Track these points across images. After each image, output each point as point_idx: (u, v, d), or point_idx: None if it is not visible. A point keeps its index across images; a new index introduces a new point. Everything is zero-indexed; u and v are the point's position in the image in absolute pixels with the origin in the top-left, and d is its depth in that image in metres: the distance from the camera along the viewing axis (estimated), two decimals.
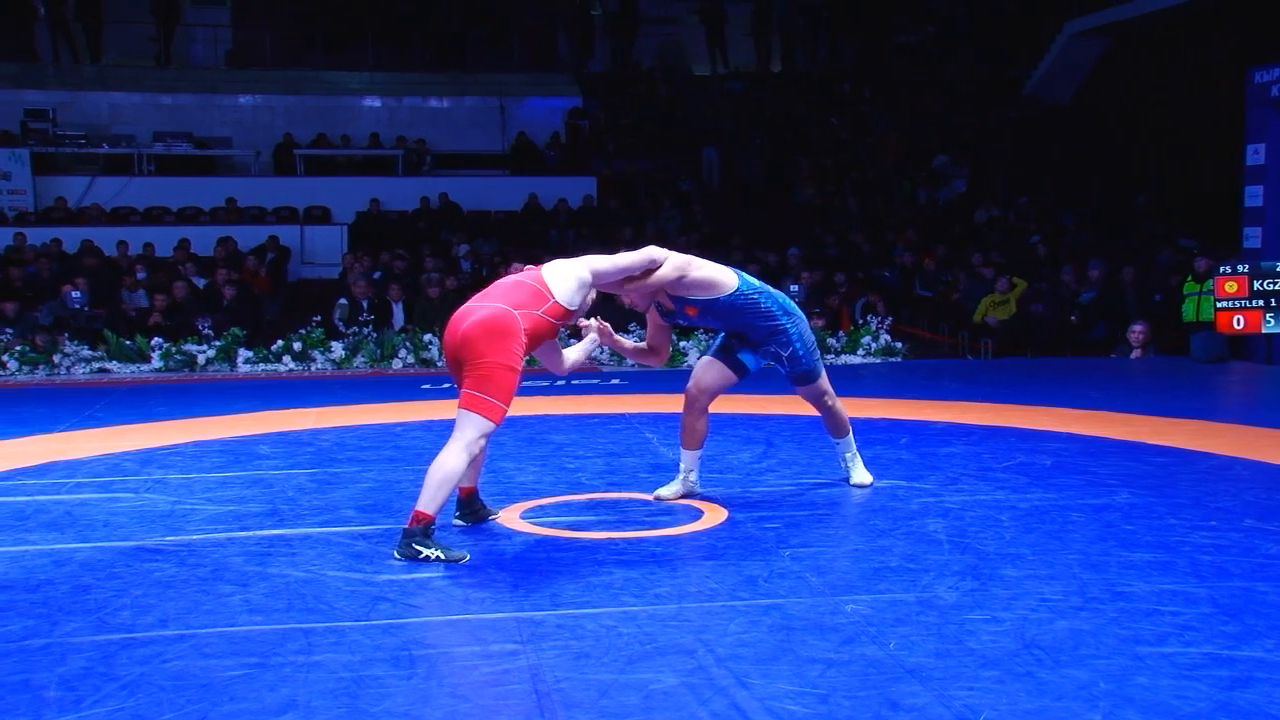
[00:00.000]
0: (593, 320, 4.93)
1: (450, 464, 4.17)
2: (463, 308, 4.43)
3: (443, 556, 4.14)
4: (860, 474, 5.43)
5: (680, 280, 4.76)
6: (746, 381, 5.26)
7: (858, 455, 5.47)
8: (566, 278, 4.47)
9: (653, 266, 4.69)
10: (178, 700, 2.89)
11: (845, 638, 3.30)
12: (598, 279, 4.58)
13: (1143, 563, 4.04)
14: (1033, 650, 3.18)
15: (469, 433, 4.20)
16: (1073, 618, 3.45)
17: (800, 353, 5.04)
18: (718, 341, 5.21)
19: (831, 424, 5.35)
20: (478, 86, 19.52)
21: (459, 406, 4.23)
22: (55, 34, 19.02)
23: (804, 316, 5.18)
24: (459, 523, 4.73)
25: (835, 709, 2.81)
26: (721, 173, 18.34)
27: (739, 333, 5.06)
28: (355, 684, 2.99)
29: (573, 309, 4.50)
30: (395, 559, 4.16)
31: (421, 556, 4.12)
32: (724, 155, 18.32)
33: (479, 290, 4.66)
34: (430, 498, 4.15)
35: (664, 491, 5.20)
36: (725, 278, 4.88)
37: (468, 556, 4.20)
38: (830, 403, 5.26)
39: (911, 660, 3.11)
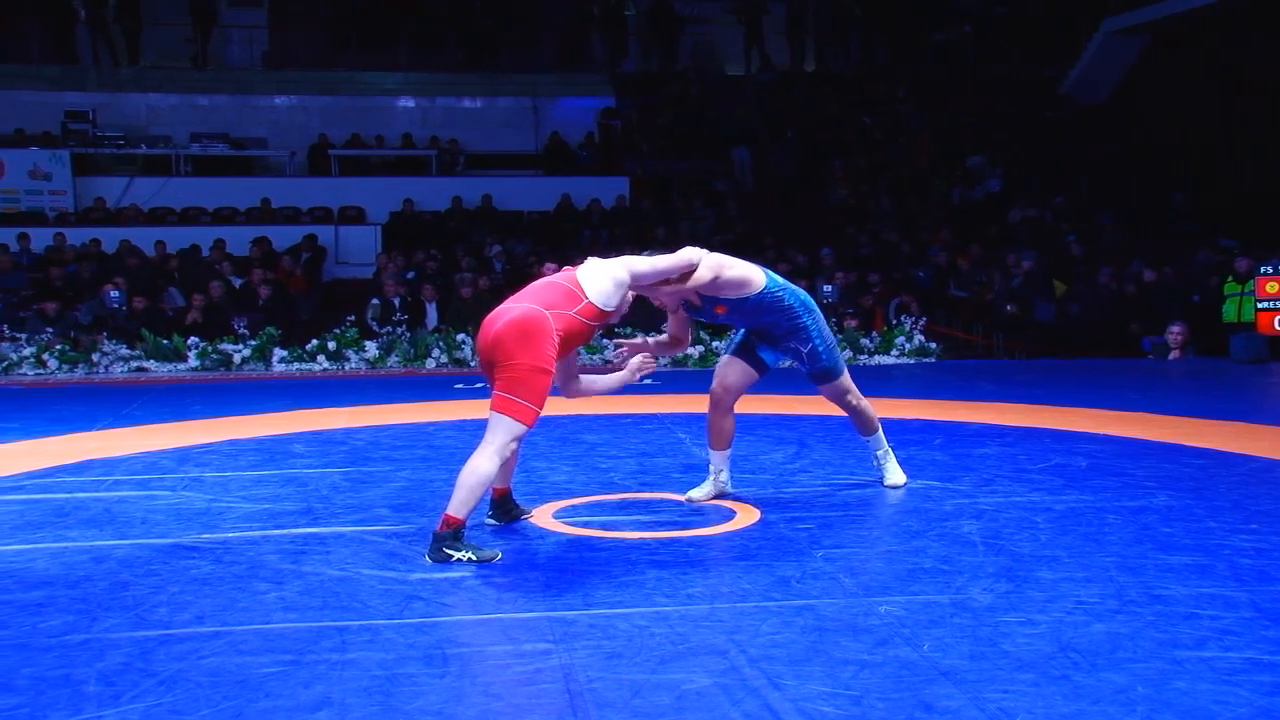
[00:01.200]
0: (634, 359, 4.92)
1: (482, 468, 4.15)
2: (496, 309, 4.41)
3: (474, 558, 4.13)
4: (894, 474, 5.37)
5: (715, 281, 4.75)
6: (779, 382, 5.25)
7: (890, 453, 5.40)
8: (601, 278, 4.44)
9: (689, 269, 4.67)
10: (214, 696, 2.92)
11: (879, 639, 3.28)
12: (636, 280, 4.55)
13: (1181, 566, 3.99)
14: (1069, 653, 3.15)
15: (500, 436, 4.19)
16: (1110, 621, 3.42)
17: (820, 349, 5.01)
18: (737, 339, 5.20)
19: (859, 422, 5.30)
20: (511, 86, 19.57)
21: (491, 409, 4.22)
22: (95, 36, 19.25)
23: (821, 314, 5.15)
24: (491, 522, 4.74)
25: (869, 711, 2.79)
26: (754, 172, 18.29)
27: (760, 330, 5.05)
28: (389, 682, 3.00)
29: (609, 309, 4.45)
30: (426, 561, 4.17)
31: (453, 560, 4.12)
32: (756, 155, 18.26)
33: (512, 290, 4.67)
34: (461, 501, 4.14)
35: (695, 493, 5.19)
36: (756, 276, 4.88)
37: (499, 555, 4.21)
38: (854, 401, 5.19)
39: (946, 662, 3.09)
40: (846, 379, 5.16)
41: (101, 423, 7.78)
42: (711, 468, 5.21)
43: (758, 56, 20.62)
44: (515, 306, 4.33)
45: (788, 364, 5.14)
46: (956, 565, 4.04)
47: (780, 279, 5.03)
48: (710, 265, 4.73)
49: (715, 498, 5.17)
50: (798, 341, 5.00)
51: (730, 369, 5.13)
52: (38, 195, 16.66)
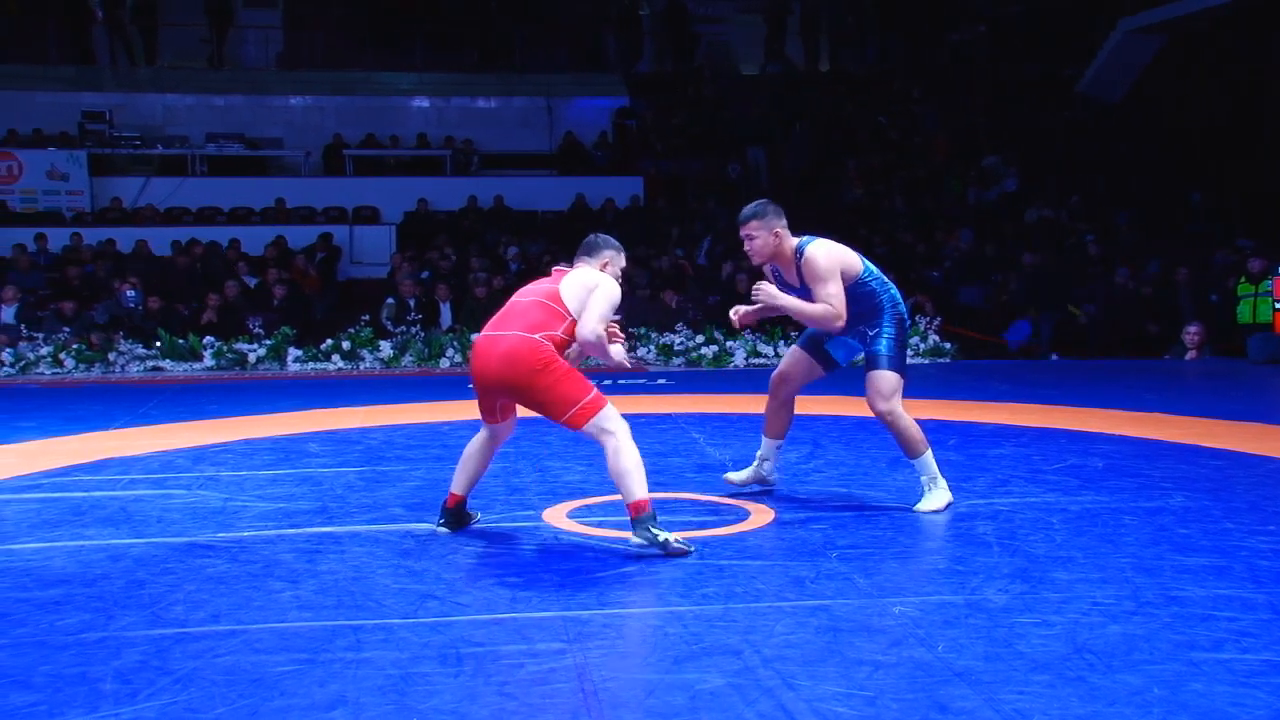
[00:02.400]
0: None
1: (624, 457, 4.22)
2: (486, 337, 4.40)
3: (677, 543, 4.23)
4: (930, 502, 4.88)
5: (825, 284, 4.70)
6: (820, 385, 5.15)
7: (938, 478, 4.92)
8: (590, 309, 4.35)
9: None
10: (229, 695, 2.93)
11: (893, 640, 3.27)
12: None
13: (1198, 567, 3.97)
14: (1084, 655, 3.13)
15: (605, 426, 4.25)
16: (1126, 622, 3.40)
17: (885, 335, 4.81)
18: (808, 331, 5.08)
19: (901, 442, 4.90)
20: (525, 86, 19.59)
21: (576, 429, 4.28)
22: (112, 37, 19.35)
23: (908, 322, 4.99)
24: (442, 530, 4.59)
25: (883, 711, 2.78)
26: (769, 172, 18.25)
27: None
28: (403, 681, 3.01)
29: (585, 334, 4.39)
30: (633, 542, 4.23)
31: (660, 539, 4.20)
32: (771, 155, 18.23)
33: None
34: (633, 486, 4.21)
35: (734, 476, 5.20)
36: (856, 264, 4.82)
37: (693, 550, 4.28)
38: (883, 409, 4.80)
39: (960, 663, 3.08)
40: (893, 382, 4.80)
41: (118, 422, 7.82)
42: (758, 454, 5.21)
43: (776, 57, 20.59)
44: (504, 335, 4.33)
45: (860, 359, 4.99)
46: (971, 566, 4.03)
47: (878, 271, 4.94)
48: (834, 274, 4.69)
49: (753, 482, 5.17)
50: (868, 325, 4.87)
51: (793, 360, 5.08)
52: (55, 195, 16.75)
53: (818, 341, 5.04)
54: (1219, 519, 4.66)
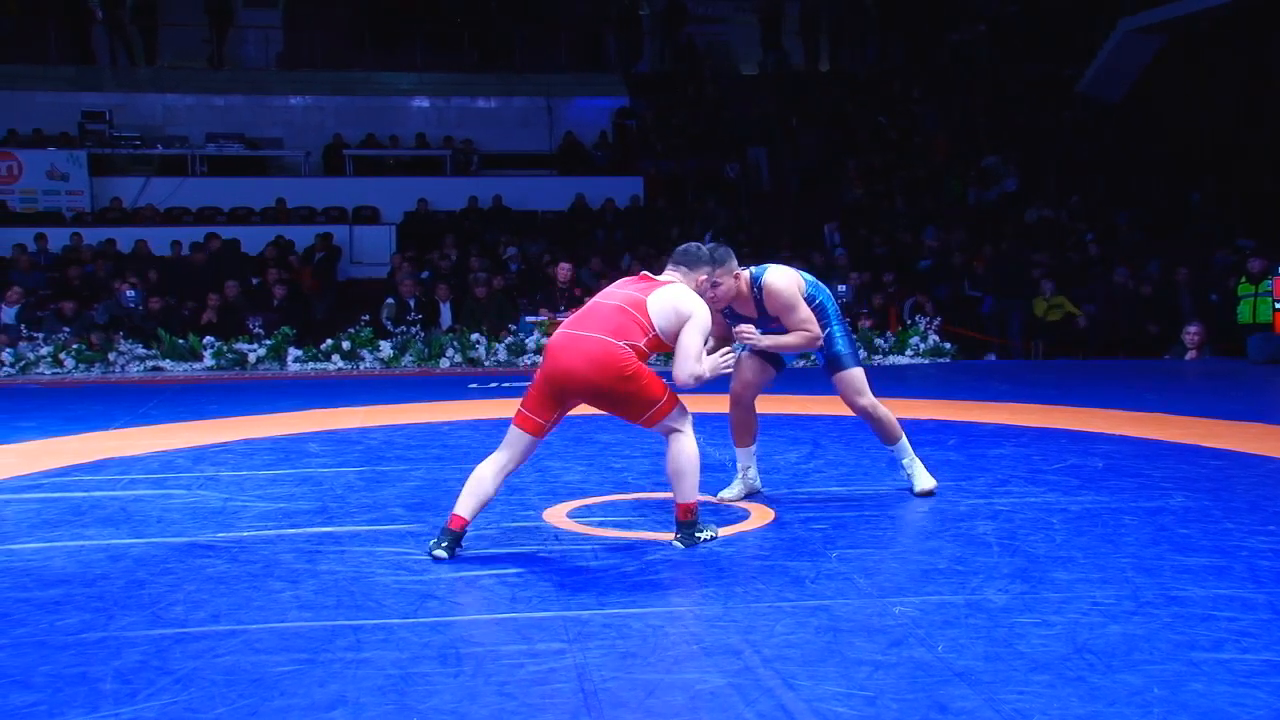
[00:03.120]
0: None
1: (688, 449, 4.28)
2: (567, 338, 4.25)
3: (716, 534, 4.40)
4: (922, 480, 5.16)
5: (791, 315, 4.84)
6: (794, 382, 5.23)
7: (916, 460, 5.19)
8: (665, 309, 4.29)
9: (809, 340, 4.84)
10: (229, 695, 2.93)
11: (893, 640, 3.27)
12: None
13: (1198, 567, 3.97)
14: (1084, 655, 3.13)
15: (675, 427, 4.31)
16: (1126, 622, 3.40)
17: (835, 335, 4.98)
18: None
19: (878, 431, 5.13)
20: (525, 86, 19.60)
21: (650, 428, 4.31)
22: (112, 37, 19.35)
23: (837, 309, 5.14)
24: (441, 554, 4.17)
25: (883, 711, 2.78)
26: (770, 172, 18.24)
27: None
28: (403, 681, 3.01)
29: (666, 340, 4.35)
30: (678, 546, 4.29)
31: (703, 539, 4.32)
32: (772, 156, 18.22)
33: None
34: (689, 487, 4.29)
35: (726, 493, 5.21)
36: (803, 283, 4.96)
37: (718, 533, 4.46)
38: (865, 404, 5.00)
39: (960, 663, 3.08)
40: (860, 377, 5.02)
41: (118, 422, 7.82)
42: (739, 466, 5.23)
43: (773, 55, 20.59)
44: (592, 338, 4.20)
45: (800, 364, 5.13)
46: (971, 566, 4.03)
47: (811, 278, 5.05)
48: (799, 301, 4.84)
49: (745, 496, 5.18)
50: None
51: (747, 365, 5.13)
52: (55, 195, 16.75)
53: None
54: (1219, 519, 4.66)
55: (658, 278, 4.46)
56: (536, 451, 4.73)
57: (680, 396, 4.37)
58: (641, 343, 4.23)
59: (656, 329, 4.26)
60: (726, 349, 4.57)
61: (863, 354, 11.25)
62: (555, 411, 4.29)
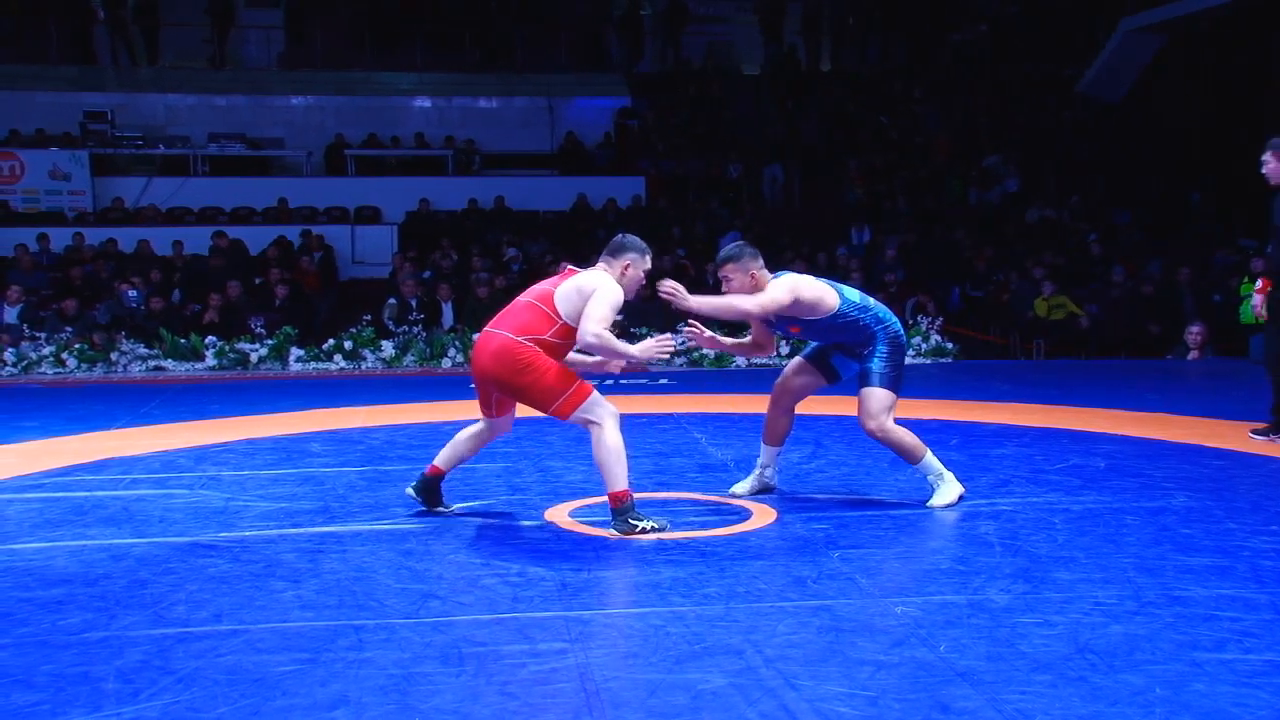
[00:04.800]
0: (650, 341, 4.65)
1: (608, 440, 4.41)
2: (482, 336, 4.62)
3: (656, 527, 4.44)
4: (939, 495, 4.94)
5: (793, 303, 4.75)
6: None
7: (944, 474, 4.97)
8: (571, 294, 4.49)
9: (738, 313, 4.81)
10: (231, 694, 2.93)
11: (895, 640, 3.27)
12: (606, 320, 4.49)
13: (1200, 567, 3.97)
14: (1086, 655, 3.13)
15: (593, 414, 4.44)
16: (1128, 622, 3.40)
17: (878, 353, 4.84)
18: (814, 344, 5.14)
19: (900, 453, 4.97)
20: (527, 86, 19.59)
21: (565, 420, 4.52)
22: (114, 37, 19.34)
23: (903, 338, 4.98)
24: (410, 493, 4.88)
25: (885, 711, 2.78)
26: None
27: (837, 343, 5.01)
28: (405, 680, 3.01)
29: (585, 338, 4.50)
30: (612, 536, 4.42)
31: (639, 530, 4.41)
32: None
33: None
34: (614, 476, 4.42)
35: (738, 488, 5.24)
36: (827, 297, 4.82)
37: (668, 524, 4.54)
38: (874, 428, 4.84)
39: (962, 663, 3.08)
40: (885, 400, 4.83)
41: (120, 421, 7.82)
42: (759, 461, 5.25)
43: (774, 50, 20.55)
44: (495, 334, 4.53)
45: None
46: (973, 566, 4.03)
47: (857, 298, 4.92)
48: (785, 287, 4.74)
49: (758, 492, 5.18)
50: (864, 348, 4.89)
51: (797, 373, 5.12)
52: (57, 195, 16.74)
53: (824, 355, 5.08)
54: (1221, 519, 4.66)
55: (578, 269, 4.67)
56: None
57: (605, 394, 4.57)
58: (546, 334, 4.48)
59: (563, 316, 4.49)
60: (665, 335, 4.66)
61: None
62: (489, 402, 4.74)
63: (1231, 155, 17.06)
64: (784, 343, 11.53)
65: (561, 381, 4.45)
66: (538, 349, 4.45)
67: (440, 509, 4.92)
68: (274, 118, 19.24)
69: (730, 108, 19.66)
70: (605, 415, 4.46)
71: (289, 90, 19.41)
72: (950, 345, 11.92)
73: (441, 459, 4.87)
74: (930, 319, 12.13)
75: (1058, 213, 16.30)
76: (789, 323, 4.90)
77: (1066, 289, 13.18)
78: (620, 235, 4.77)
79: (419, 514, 4.91)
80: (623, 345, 4.52)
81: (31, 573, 4.08)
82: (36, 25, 19.08)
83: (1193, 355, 11.55)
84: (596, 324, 4.41)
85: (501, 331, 4.53)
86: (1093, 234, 15.17)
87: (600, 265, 4.67)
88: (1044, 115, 19.02)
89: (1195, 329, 11.59)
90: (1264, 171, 7.18)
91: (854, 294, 4.95)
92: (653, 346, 4.53)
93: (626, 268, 4.63)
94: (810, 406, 7.91)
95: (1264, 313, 6.75)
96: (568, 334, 4.50)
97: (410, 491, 4.91)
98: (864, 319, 4.88)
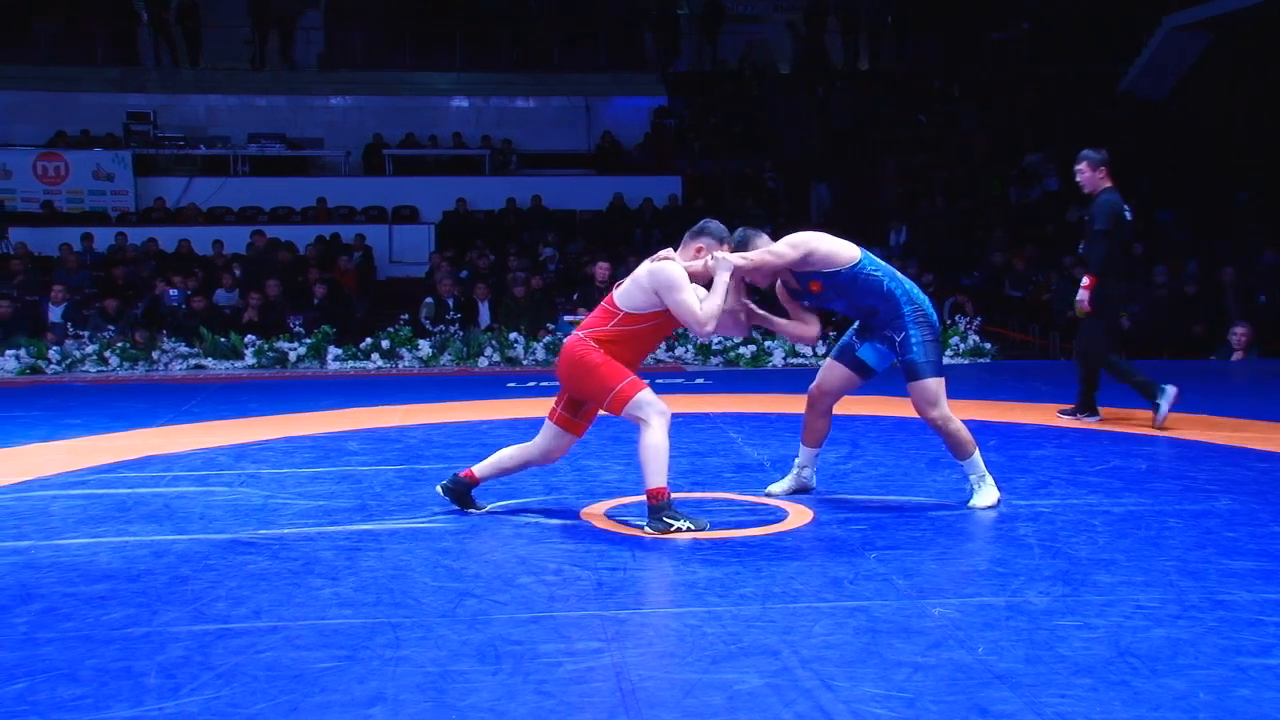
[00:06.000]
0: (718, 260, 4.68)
1: (652, 439, 4.47)
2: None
3: (692, 527, 4.45)
4: (983, 497, 4.90)
5: (805, 257, 4.72)
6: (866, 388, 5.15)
7: (986, 477, 4.94)
8: (630, 286, 4.65)
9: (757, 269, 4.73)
10: (270, 690, 2.95)
11: (932, 641, 3.25)
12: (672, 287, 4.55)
13: (1245, 571, 3.91)
14: (1127, 658, 3.10)
15: (638, 415, 4.52)
16: (1170, 626, 3.36)
17: (913, 340, 4.76)
18: (841, 341, 5.12)
19: (949, 445, 4.90)
20: (564, 86, 19.63)
21: (618, 415, 4.61)
22: (157, 38, 19.58)
23: (934, 316, 4.88)
24: (440, 489, 4.93)
25: (922, 713, 2.77)
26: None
27: (861, 318, 4.95)
28: (442, 678, 3.02)
29: (642, 312, 4.61)
30: (647, 534, 4.46)
31: (674, 529, 4.44)
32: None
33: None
34: (653, 474, 4.47)
35: (775, 487, 5.23)
36: (847, 250, 4.79)
37: (708, 524, 4.53)
38: (935, 416, 4.79)
39: (1001, 666, 3.05)
40: (936, 387, 4.77)
41: (161, 419, 7.91)
42: (796, 462, 5.24)
43: (808, 54, 20.47)
44: (570, 337, 4.73)
45: (895, 364, 4.99)
46: (1012, 568, 3.99)
47: (884, 264, 4.89)
48: (795, 242, 4.74)
49: (794, 492, 5.18)
50: (893, 330, 4.81)
51: (829, 372, 5.10)
52: (100, 195, 16.99)
53: (850, 350, 5.05)
54: (1267, 522, 4.59)
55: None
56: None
57: (659, 396, 4.62)
58: (607, 327, 4.60)
59: (622, 309, 4.62)
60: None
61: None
62: (562, 400, 4.78)
63: (1277, 154, 16.82)
64: (821, 342, 11.50)
65: (614, 378, 4.53)
66: (597, 345, 4.57)
67: (472, 510, 4.93)
68: (313, 118, 19.41)
69: (766, 107, 19.59)
70: (654, 414, 4.51)
71: (328, 91, 19.58)
72: (988, 345, 11.82)
73: (480, 467, 4.91)
74: (969, 319, 12.04)
75: None
76: (809, 277, 4.82)
77: None
78: (704, 220, 4.88)
79: (455, 513, 4.93)
80: (719, 289, 4.55)
81: (76, 568, 4.13)
82: (81, 28, 19.34)
83: (1236, 356, 11.40)
84: (699, 315, 4.51)
85: (574, 334, 4.72)
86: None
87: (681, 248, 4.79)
88: (1086, 113, 18.81)
89: (1240, 329, 11.43)
90: (1078, 181, 7.59)
91: (880, 261, 4.90)
92: (734, 259, 4.62)
93: (699, 251, 4.72)
94: (847, 407, 7.87)
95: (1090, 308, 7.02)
96: (631, 322, 4.60)
97: (440, 488, 4.94)
98: (888, 283, 4.80)
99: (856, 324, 5.05)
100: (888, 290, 4.80)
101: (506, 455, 4.90)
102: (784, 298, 5.04)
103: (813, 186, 17.94)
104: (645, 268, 4.66)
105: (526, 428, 7.30)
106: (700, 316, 4.52)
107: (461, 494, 4.91)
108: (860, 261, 4.79)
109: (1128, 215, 7.21)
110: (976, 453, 4.91)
